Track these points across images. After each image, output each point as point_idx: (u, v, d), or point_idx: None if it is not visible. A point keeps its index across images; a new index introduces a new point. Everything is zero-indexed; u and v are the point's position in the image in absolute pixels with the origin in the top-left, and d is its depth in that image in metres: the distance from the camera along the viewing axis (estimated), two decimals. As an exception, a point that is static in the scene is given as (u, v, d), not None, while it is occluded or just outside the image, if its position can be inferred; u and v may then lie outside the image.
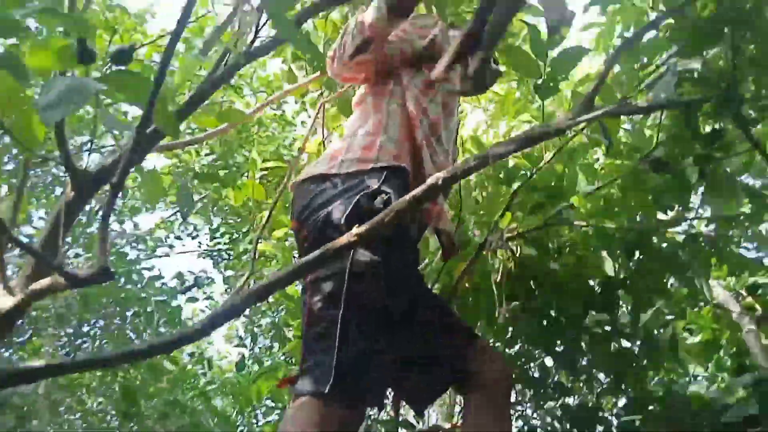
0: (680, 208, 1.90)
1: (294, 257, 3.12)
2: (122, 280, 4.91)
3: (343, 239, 0.98)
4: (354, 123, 1.59)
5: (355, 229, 0.98)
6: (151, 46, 3.42)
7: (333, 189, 1.37)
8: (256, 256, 2.74)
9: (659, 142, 1.73)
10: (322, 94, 2.71)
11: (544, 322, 1.75)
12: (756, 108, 1.57)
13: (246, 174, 4.36)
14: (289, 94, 2.86)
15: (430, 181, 0.98)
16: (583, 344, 1.82)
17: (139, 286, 4.88)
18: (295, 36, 0.86)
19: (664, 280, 1.74)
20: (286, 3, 0.82)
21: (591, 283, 1.78)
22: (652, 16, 1.85)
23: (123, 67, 0.84)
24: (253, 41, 1.27)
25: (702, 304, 2.34)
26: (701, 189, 1.81)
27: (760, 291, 2.73)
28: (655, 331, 1.94)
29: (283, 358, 3.61)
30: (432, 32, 1.62)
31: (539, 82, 1.54)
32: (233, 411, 6.05)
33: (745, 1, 1.14)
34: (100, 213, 0.96)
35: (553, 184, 1.75)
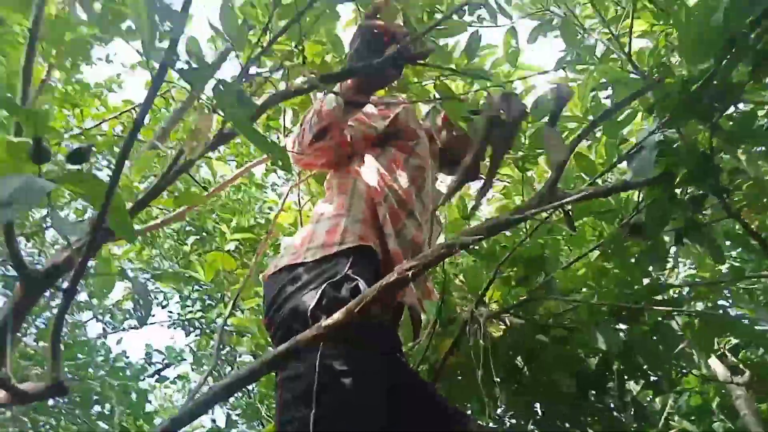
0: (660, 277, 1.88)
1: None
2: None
3: (310, 333, 0.94)
4: (319, 209, 1.56)
5: (323, 322, 0.95)
6: (114, 121, 3.37)
7: (299, 280, 1.32)
8: (230, 331, 2.63)
9: (637, 207, 1.72)
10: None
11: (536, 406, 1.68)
12: (732, 180, 1.58)
13: (215, 244, 4.26)
14: (257, 165, 2.81)
15: (397, 269, 0.96)
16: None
17: (101, 372, 4.48)
18: (257, 137, 0.82)
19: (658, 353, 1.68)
20: (246, 111, 0.78)
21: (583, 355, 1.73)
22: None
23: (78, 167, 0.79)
24: (210, 143, 1.23)
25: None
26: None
27: (743, 352, 2.70)
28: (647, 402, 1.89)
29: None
30: (393, 111, 1.64)
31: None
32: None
33: (728, 78, 1.14)
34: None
35: (535, 256, 1.71)
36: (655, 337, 1.65)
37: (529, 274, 1.73)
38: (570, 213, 1.51)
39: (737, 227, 1.70)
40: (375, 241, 1.43)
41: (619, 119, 1.48)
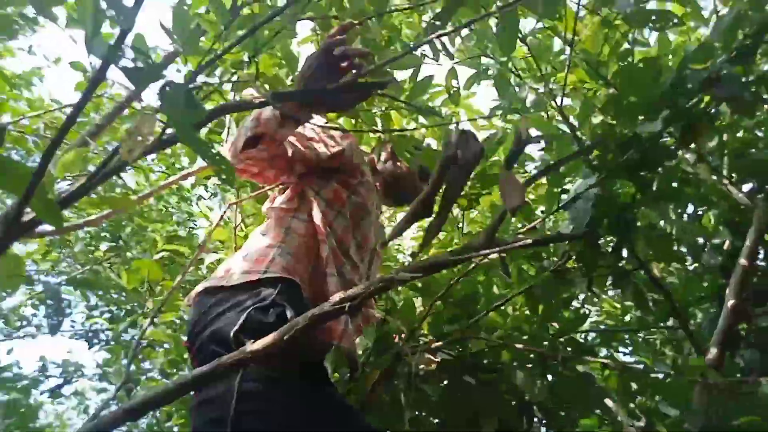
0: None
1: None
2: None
3: (235, 355, 0.90)
4: (254, 237, 1.55)
5: (249, 346, 0.91)
6: (35, 118, 3.20)
7: (222, 303, 1.29)
8: (144, 344, 2.51)
9: (566, 253, 1.82)
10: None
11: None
12: (648, 234, 1.72)
13: (133, 251, 4.08)
14: (190, 175, 2.75)
15: (333, 298, 0.95)
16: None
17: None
18: (201, 148, 0.80)
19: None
20: (194, 117, 0.76)
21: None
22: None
23: None
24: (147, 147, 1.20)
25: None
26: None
27: (640, 399, 2.87)
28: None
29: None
30: (340, 145, 1.62)
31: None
32: None
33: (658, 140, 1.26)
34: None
35: (467, 294, 1.77)
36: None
37: (460, 311, 1.78)
38: (506, 263, 1.59)
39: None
40: (303, 277, 1.42)
41: (561, 170, 1.58)
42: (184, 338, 1.42)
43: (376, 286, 1.05)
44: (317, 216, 1.51)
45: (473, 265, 1.93)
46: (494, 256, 1.78)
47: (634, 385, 2.86)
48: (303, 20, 1.82)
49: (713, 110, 2.19)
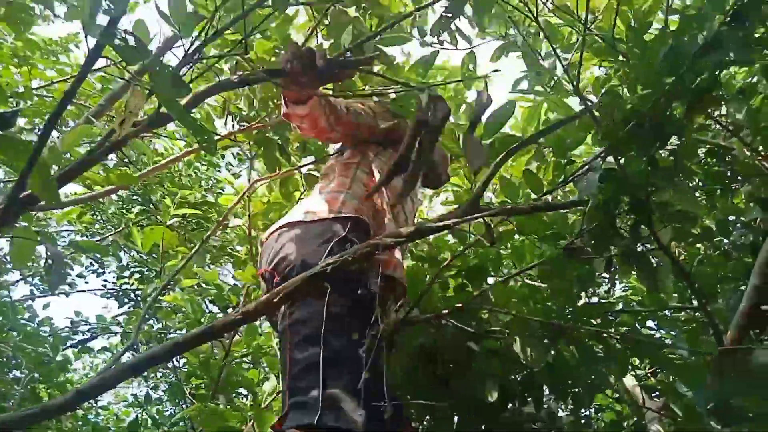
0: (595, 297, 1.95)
1: (206, 309, 2.95)
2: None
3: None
4: (321, 185, 1.80)
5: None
6: (63, 84, 3.23)
7: (304, 236, 1.52)
8: (160, 306, 2.57)
9: (580, 232, 1.76)
10: (249, 151, 2.64)
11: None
12: (665, 215, 1.64)
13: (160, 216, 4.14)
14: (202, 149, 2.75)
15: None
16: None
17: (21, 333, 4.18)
18: (186, 120, 0.82)
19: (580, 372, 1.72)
20: (177, 92, 0.79)
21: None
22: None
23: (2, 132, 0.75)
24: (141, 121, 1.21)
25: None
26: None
27: (661, 376, 2.81)
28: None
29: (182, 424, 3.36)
30: (395, 120, 1.90)
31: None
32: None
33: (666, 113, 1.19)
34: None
35: (475, 265, 1.74)
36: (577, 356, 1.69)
37: (468, 282, 1.75)
38: (491, 226, 1.57)
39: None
40: (369, 217, 1.64)
41: (568, 142, 1.52)
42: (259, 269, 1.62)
43: (361, 251, 1.11)
44: (376, 172, 1.76)
45: (478, 237, 1.89)
46: (502, 228, 1.74)
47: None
48: (298, 5, 1.89)
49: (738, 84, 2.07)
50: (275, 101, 2.23)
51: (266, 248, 1.61)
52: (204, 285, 2.74)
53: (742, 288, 2.19)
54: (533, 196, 1.81)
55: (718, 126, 2.24)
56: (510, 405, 1.77)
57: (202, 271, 2.48)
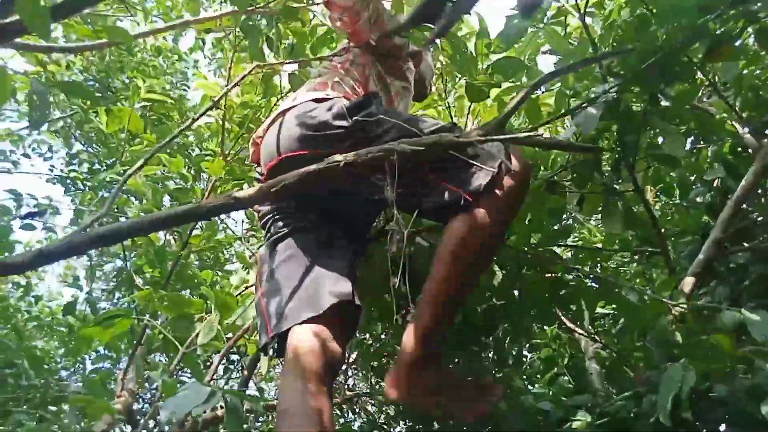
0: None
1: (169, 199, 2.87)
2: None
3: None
4: (317, 82, 1.74)
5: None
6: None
7: (308, 112, 1.48)
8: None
9: (565, 164, 1.78)
10: (229, 35, 2.50)
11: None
12: (652, 156, 1.67)
13: (122, 102, 3.93)
14: (190, 25, 2.59)
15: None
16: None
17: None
18: None
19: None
20: None
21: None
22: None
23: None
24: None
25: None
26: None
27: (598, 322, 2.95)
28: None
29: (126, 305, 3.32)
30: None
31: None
32: (56, 354, 5.50)
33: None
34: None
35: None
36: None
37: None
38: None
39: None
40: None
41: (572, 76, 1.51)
42: None
43: (375, 153, 1.05)
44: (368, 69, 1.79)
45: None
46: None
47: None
48: None
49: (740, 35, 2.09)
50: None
51: (266, 142, 1.57)
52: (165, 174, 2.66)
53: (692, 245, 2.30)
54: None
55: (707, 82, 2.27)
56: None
57: (167, 158, 2.38)
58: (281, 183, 1.02)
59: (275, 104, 2.50)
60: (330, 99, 1.53)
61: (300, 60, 2.13)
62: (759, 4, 1.14)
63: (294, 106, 1.54)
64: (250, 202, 1.07)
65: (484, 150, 1.23)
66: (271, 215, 1.62)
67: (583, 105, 1.40)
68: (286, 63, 2.10)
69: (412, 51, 2.02)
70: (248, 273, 2.06)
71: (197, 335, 1.62)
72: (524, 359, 2.46)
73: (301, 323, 1.34)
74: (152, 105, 3.33)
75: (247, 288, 1.99)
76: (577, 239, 3.62)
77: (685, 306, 1.36)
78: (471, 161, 1.20)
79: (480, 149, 1.23)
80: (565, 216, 2.04)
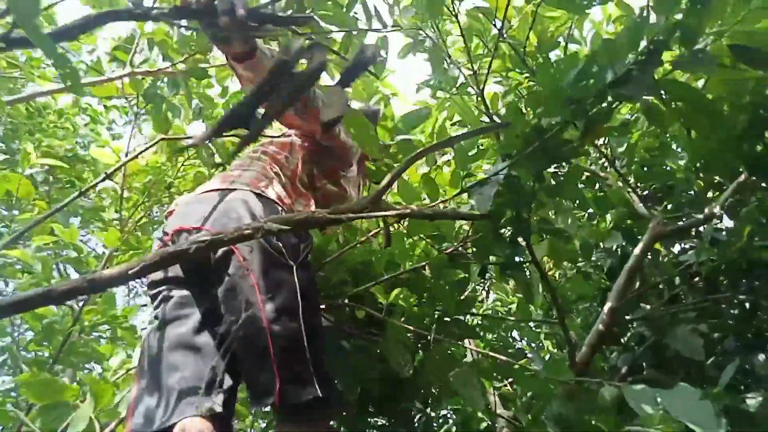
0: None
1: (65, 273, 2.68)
2: None
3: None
4: (242, 163, 1.73)
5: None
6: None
7: (217, 204, 1.49)
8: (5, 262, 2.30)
9: (465, 237, 1.80)
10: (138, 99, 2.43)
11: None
12: (544, 231, 1.72)
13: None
14: (91, 85, 2.48)
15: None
16: None
17: None
18: (42, 42, 0.70)
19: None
20: (31, 5, 0.67)
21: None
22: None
23: None
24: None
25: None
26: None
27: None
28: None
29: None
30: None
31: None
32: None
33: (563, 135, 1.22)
34: None
35: (359, 262, 1.71)
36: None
37: (350, 279, 1.73)
38: (389, 227, 1.54)
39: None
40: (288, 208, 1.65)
41: (469, 153, 1.54)
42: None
43: (240, 232, 1.01)
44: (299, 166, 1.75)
45: (372, 232, 1.88)
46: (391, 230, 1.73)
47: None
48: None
49: (629, 116, 2.22)
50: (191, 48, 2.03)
51: (176, 214, 1.56)
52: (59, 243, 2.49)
53: (597, 308, 2.37)
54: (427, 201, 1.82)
55: (597, 154, 2.38)
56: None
57: (60, 228, 2.23)
58: (140, 265, 0.95)
59: (180, 172, 2.43)
60: (272, 201, 1.55)
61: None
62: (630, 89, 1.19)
63: (231, 190, 1.55)
64: (110, 283, 0.99)
65: None
66: (161, 287, 1.52)
67: (479, 184, 1.42)
68: (187, 138, 2.04)
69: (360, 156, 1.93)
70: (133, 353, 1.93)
71: (67, 425, 1.47)
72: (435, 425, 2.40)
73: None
74: (54, 169, 3.18)
75: (129, 371, 1.86)
76: (494, 301, 3.68)
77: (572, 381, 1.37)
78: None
79: None
80: (470, 286, 2.06)
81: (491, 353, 1.67)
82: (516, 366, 1.60)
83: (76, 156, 4.15)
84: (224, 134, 1.02)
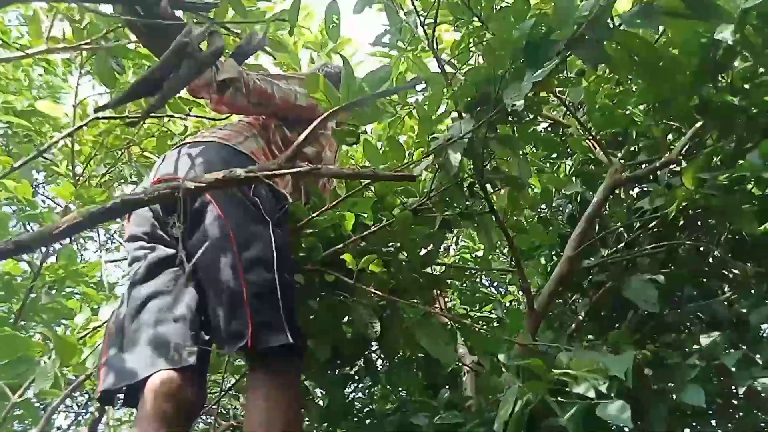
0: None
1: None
2: None
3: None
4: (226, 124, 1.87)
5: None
6: None
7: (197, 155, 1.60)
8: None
9: (429, 192, 1.79)
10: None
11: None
12: (500, 180, 1.73)
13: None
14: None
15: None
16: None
17: None
18: None
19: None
20: None
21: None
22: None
23: None
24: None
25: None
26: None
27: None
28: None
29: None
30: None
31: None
32: None
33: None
34: None
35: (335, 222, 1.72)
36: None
37: (319, 240, 1.74)
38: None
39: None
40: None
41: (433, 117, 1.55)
42: None
43: (160, 190, 1.01)
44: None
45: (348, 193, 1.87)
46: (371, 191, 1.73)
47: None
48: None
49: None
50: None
51: (158, 165, 1.66)
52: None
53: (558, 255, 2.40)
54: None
55: (558, 101, 2.37)
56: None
57: (11, 183, 2.16)
58: (64, 225, 0.93)
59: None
60: (245, 154, 1.66)
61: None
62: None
63: (208, 142, 1.66)
64: (33, 244, 0.97)
65: None
66: (136, 243, 1.55)
67: (443, 145, 1.43)
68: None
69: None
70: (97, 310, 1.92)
71: (32, 382, 1.47)
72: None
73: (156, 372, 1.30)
74: (12, 123, 3.05)
75: (96, 329, 1.85)
76: (462, 248, 3.72)
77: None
78: None
79: None
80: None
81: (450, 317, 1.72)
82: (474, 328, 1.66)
83: (34, 110, 4.00)
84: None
